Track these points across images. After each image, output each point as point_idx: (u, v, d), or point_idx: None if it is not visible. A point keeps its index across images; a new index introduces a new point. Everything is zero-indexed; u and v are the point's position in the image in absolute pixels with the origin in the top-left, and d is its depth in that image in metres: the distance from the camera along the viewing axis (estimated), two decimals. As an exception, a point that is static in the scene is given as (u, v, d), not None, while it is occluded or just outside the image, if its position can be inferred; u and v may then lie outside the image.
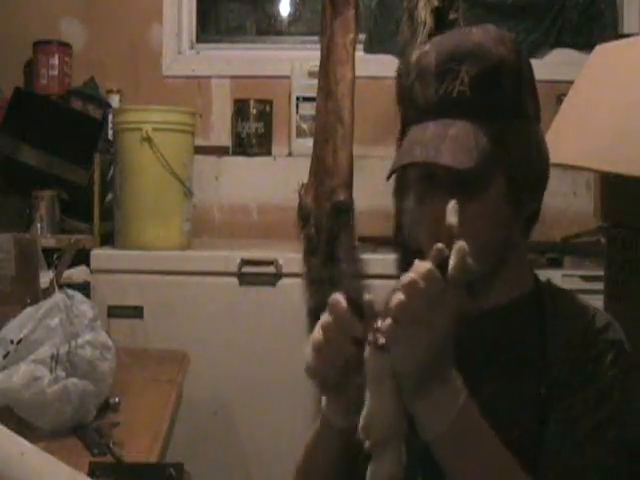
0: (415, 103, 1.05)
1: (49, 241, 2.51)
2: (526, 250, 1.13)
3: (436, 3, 2.33)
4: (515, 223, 1.05)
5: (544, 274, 1.15)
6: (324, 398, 1.01)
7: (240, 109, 2.99)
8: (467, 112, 1.00)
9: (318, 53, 2.42)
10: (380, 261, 2.40)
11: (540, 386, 1.01)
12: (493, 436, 0.93)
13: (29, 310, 1.55)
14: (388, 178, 1.05)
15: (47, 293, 1.70)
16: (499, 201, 1.02)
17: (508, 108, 1.02)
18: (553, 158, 1.10)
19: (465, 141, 0.98)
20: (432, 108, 1.02)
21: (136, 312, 2.40)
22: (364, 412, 0.90)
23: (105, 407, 1.57)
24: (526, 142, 1.03)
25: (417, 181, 1.06)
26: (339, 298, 0.94)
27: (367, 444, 0.90)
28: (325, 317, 0.95)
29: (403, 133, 1.10)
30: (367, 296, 0.93)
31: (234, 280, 2.42)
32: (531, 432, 0.99)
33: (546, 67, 2.82)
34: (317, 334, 0.95)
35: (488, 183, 1.01)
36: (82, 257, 2.41)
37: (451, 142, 0.98)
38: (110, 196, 2.67)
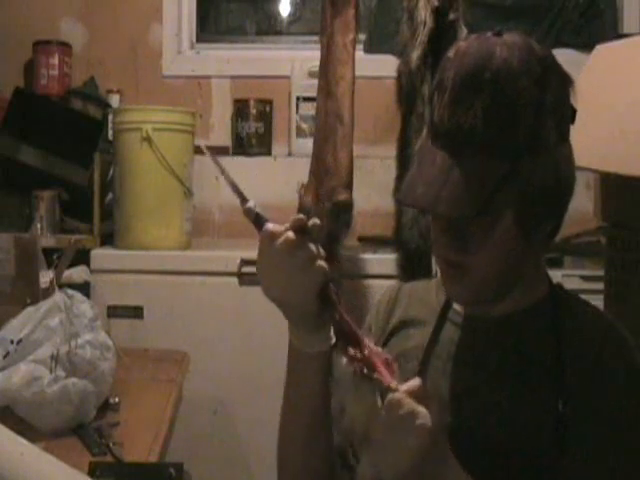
0: (431, 119, 1.01)
1: (49, 241, 2.51)
2: (543, 260, 1.12)
3: (436, 3, 2.32)
4: (529, 246, 1.03)
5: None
6: (290, 326, 1.06)
7: (240, 109, 2.99)
8: (476, 147, 0.96)
9: (318, 53, 2.42)
10: (380, 261, 2.40)
11: (556, 396, 0.99)
12: None
13: (29, 310, 1.55)
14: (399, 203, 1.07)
15: (47, 293, 1.70)
16: (507, 235, 1.00)
17: (522, 143, 0.97)
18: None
19: (467, 186, 0.95)
20: (442, 135, 0.99)
21: (136, 312, 2.40)
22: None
23: (105, 407, 1.57)
24: (541, 174, 0.99)
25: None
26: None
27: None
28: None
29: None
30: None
31: (234, 280, 2.42)
32: (546, 440, 0.98)
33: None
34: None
35: (494, 221, 0.98)
36: (82, 257, 2.41)
37: (452, 188, 0.95)
38: (110, 196, 2.67)
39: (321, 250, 0.99)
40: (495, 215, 0.98)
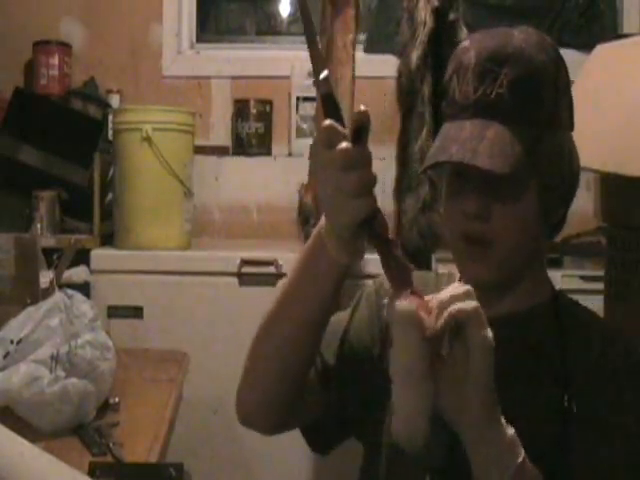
0: (452, 99, 1.04)
1: (49, 241, 2.51)
2: (546, 257, 1.13)
3: (436, 3, 2.33)
4: (543, 229, 1.06)
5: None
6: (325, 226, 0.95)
7: (240, 109, 2.99)
8: (504, 116, 0.99)
9: (318, 53, 2.42)
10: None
11: (562, 394, 0.99)
12: None
13: (29, 310, 1.54)
14: (422, 173, 1.04)
15: (47, 293, 1.70)
16: (530, 207, 1.02)
17: (544, 116, 1.01)
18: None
19: (502, 145, 0.97)
20: (469, 107, 1.01)
21: (136, 312, 2.40)
22: (396, 414, 0.84)
23: (105, 407, 1.57)
24: (559, 152, 1.03)
25: (448, 177, 1.06)
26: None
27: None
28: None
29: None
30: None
31: (234, 280, 2.42)
32: (552, 437, 0.97)
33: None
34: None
35: (520, 189, 1.01)
36: (82, 257, 2.41)
37: (488, 144, 0.97)
38: (110, 196, 2.67)
39: (374, 175, 0.86)
40: (521, 181, 1.00)
